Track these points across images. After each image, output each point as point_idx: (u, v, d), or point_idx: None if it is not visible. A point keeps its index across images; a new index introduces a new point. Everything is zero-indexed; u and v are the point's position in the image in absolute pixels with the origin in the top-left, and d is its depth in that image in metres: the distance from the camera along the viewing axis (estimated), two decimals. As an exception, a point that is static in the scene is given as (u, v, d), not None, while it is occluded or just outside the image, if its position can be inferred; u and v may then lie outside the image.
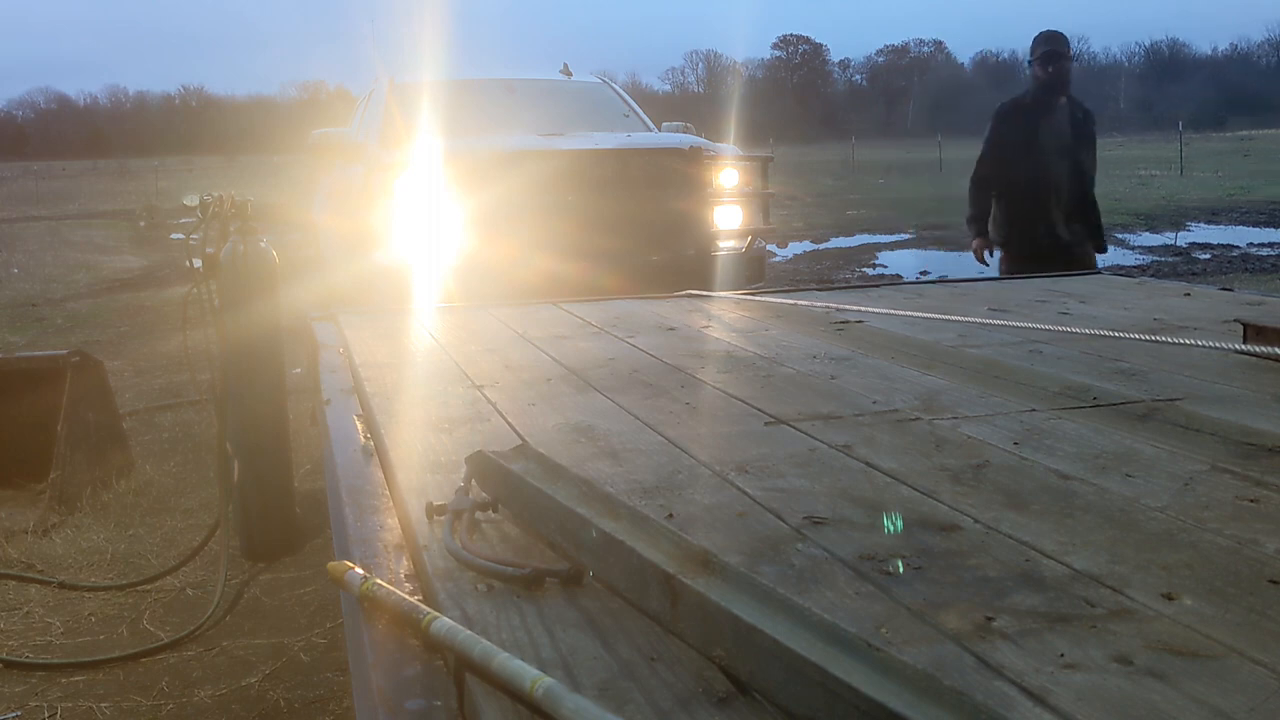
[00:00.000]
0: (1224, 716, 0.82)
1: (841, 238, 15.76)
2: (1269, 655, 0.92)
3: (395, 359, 2.59)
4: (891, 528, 1.28)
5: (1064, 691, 0.86)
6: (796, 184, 24.34)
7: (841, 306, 3.18)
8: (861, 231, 16.53)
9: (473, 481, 1.35)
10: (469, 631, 0.95)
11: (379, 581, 1.10)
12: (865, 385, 2.13)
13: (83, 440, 3.98)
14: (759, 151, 5.94)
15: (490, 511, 1.31)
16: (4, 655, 2.80)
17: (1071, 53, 4.74)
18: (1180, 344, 2.41)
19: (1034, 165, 4.62)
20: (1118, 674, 0.90)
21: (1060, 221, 4.64)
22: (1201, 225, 15.51)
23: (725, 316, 3.23)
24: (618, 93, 6.92)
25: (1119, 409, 1.87)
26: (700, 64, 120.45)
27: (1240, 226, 15.23)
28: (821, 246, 14.67)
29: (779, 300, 3.40)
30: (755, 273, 5.37)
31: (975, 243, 4.86)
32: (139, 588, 3.26)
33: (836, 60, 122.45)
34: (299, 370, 4.32)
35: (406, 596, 1.07)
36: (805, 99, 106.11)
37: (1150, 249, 12.50)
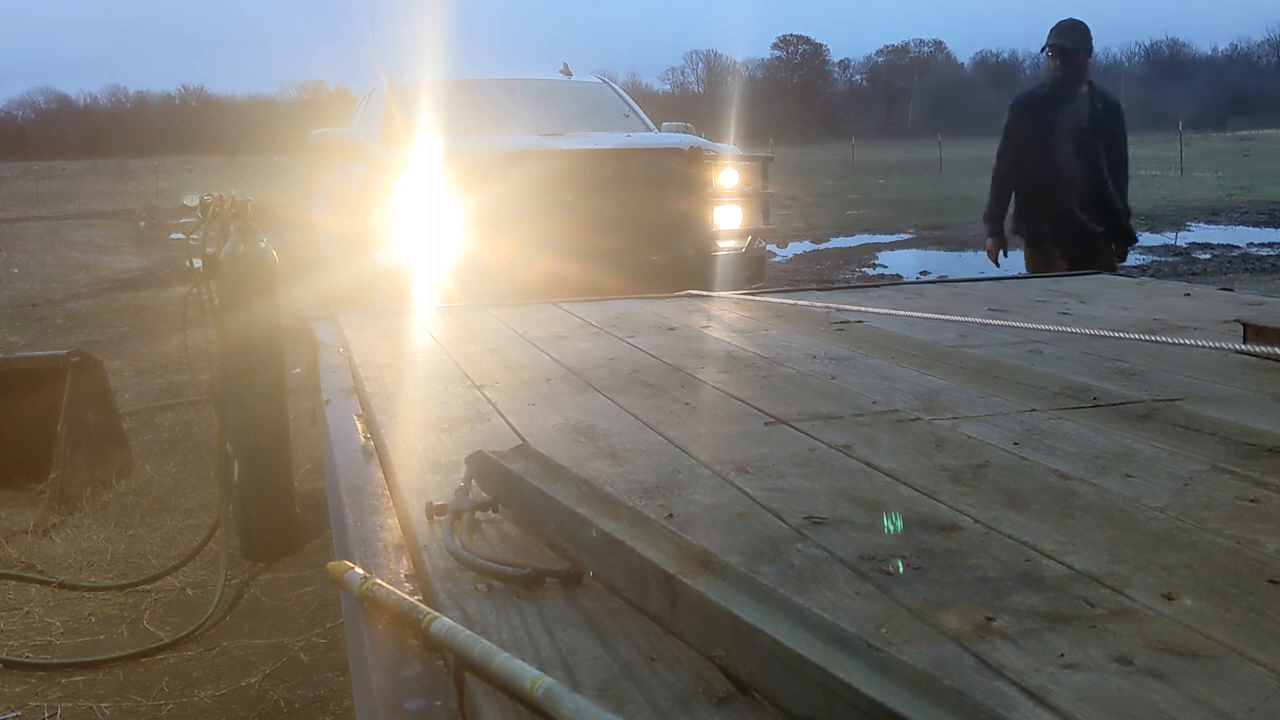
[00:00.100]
0: (1224, 716, 0.82)
1: (841, 238, 15.76)
2: (1269, 655, 0.92)
3: (395, 359, 2.59)
4: (891, 528, 1.28)
5: (1064, 691, 0.86)
6: (796, 184, 24.34)
7: (841, 306, 3.18)
8: (861, 231, 16.52)
9: (473, 481, 1.35)
10: (469, 631, 0.95)
11: (379, 581, 1.10)
12: (865, 385, 2.13)
13: (83, 440, 3.98)
14: (759, 151, 5.94)
15: (490, 511, 1.31)
16: (4, 655, 2.80)
17: (1087, 44, 4.55)
18: (1180, 344, 2.41)
19: (1049, 157, 4.51)
20: (1118, 674, 0.90)
21: (1078, 215, 4.53)
22: (1201, 225, 15.51)
23: (725, 316, 3.23)
24: (618, 93, 6.92)
25: (1119, 409, 1.87)
26: (700, 64, 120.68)
27: (1240, 226, 15.22)
28: (821, 246, 14.67)
29: (779, 300, 3.40)
30: (755, 273, 5.37)
31: (988, 243, 4.83)
32: (139, 588, 3.26)
33: (836, 60, 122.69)
34: (299, 370, 4.32)
35: (406, 596, 1.07)
36: (805, 99, 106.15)
37: (1150, 249, 12.48)
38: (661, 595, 0.95)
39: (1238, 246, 12.70)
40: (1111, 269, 4.43)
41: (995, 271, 4.85)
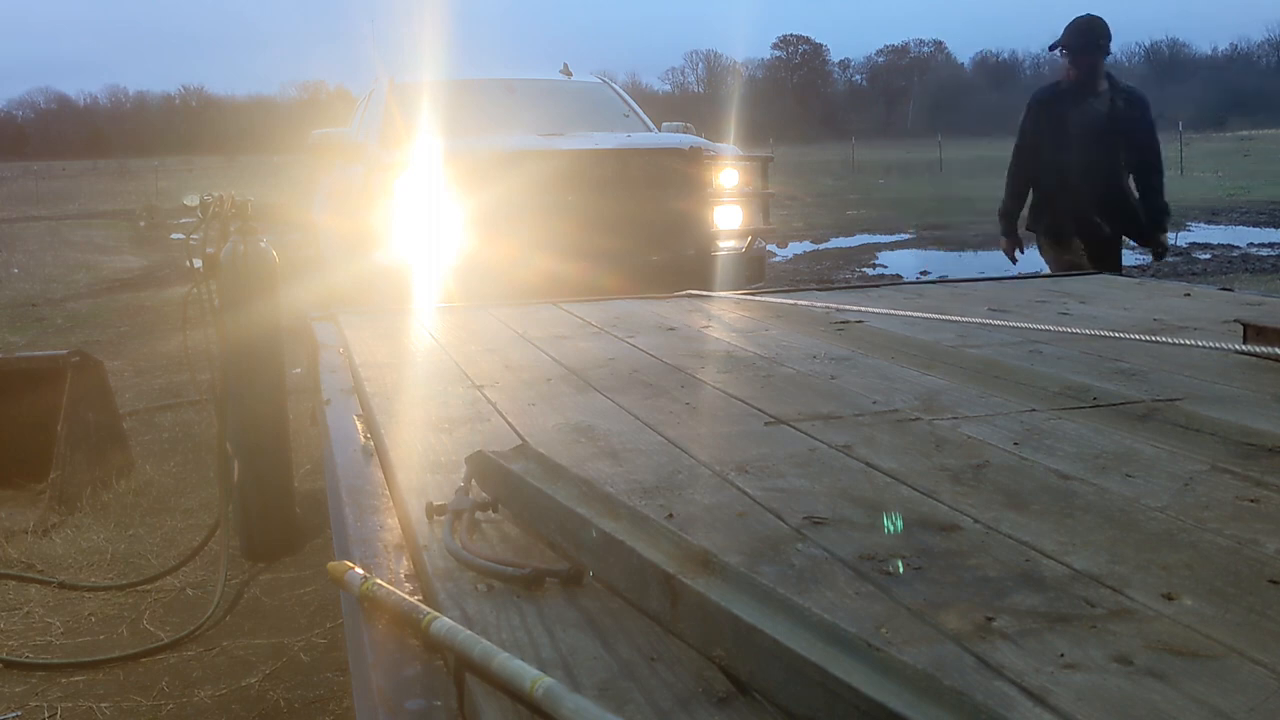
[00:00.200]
0: (1224, 716, 0.82)
1: (841, 238, 15.76)
2: (1269, 655, 0.92)
3: (395, 359, 2.59)
4: (891, 528, 1.28)
5: (1064, 691, 0.86)
6: (796, 184, 24.32)
7: (841, 306, 3.18)
8: (861, 231, 16.52)
9: (473, 481, 1.35)
10: (469, 631, 0.95)
11: (379, 581, 1.10)
12: (865, 385, 2.13)
13: (83, 440, 3.98)
14: (759, 151, 5.94)
15: (490, 511, 1.31)
16: (4, 655, 2.80)
17: (1101, 41, 4.49)
18: (1180, 344, 2.41)
19: (1062, 156, 4.49)
20: (1118, 674, 0.90)
21: (1092, 212, 4.49)
22: (1202, 225, 15.50)
23: (725, 316, 3.23)
24: (618, 93, 6.92)
25: (1119, 409, 1.87)
26: (700, 64, 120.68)
27: (1240, 226, 15.23)
28: (821, 246, 14.67)
29: (779, 300, 3.40)
30: (755, 273, 5.37)
31: (1002, 242, 4.81)
32: (139, 588, 3.26)
33: (836, 60, 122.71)
34: (299, 370, 4.32)
35: (406, 596, 1.07)
36: (805, 99, 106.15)
37: (1150, 249, 12.47)
38: (661, 595, 0.95)
39: (1238, 246, 12.70)
40: (1115, 269, 4.42)
41: (1000, 271, 4.84)
